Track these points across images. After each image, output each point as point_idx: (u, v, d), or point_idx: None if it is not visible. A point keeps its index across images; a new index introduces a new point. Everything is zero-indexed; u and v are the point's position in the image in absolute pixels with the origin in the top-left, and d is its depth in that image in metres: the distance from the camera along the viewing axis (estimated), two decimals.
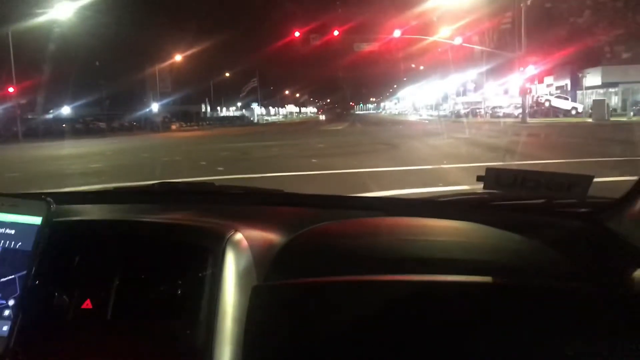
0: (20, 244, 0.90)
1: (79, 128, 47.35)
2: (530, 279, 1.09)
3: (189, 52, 63.61)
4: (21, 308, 0.87)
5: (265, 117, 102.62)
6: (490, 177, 1.28)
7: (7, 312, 0.86)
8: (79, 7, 35.93)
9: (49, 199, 0.93)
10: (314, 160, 13.21)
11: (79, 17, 38.10)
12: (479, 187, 1.35)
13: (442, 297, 1.04)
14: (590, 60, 43.26)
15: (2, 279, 0.87)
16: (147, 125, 55.62)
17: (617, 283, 1.03)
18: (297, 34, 36.19)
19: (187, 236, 1.09)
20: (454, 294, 1.04)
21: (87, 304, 0.97)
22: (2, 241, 0.90)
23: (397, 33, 35.78)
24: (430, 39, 39.42)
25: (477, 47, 45.66)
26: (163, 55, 62.33)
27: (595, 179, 1.21)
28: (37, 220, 0.91)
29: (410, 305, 1.02)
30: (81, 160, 16.01)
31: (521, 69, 34.37)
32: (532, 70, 36.09)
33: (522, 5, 33.02)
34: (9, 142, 32.91)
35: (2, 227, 0.90)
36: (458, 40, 38.80)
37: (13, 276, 0.88)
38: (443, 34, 41.33)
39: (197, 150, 20.08)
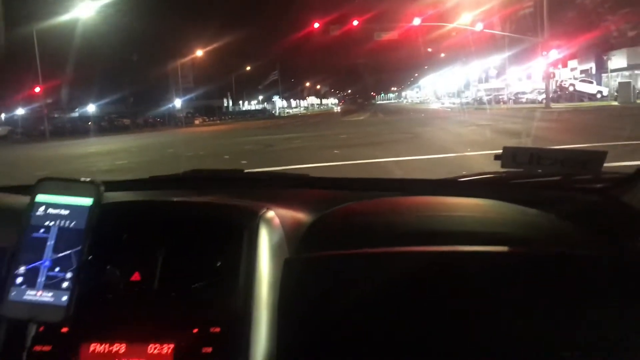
0: (74, 223, 0.97)
1: (104, 125, 47.91)
2: (547, 247, 1.13)
3: (210, 47, 64.08)
4: (77, 280, 0.94)
5: (287, 110, 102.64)
6: (508, 155, 1.32)
7: (65, 284, 0.93)
8: (102, 5, 36.29)
9: (98, 181, 1.00)
10: (336, 151, 13.25)
11: (102, 15, 38.53)
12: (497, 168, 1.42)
13: (464, 267, 1.08)
14: (615, 42, 42.37)
15: (60, 254, 0.95)
16: (171, 120, 56.05)
17: (631, 250, 1.07)
18: (316, 25, 36.21)
19: (224, 214, 1.18)
20: (475, 264, 1.08)
21: (136, 276, 1.07)
22: (58, 220, 0.97)
23: (417, 21, 35.53)
24: (451, 25, 39.06)
25: (499, 33, 45.04)
26: (185, 51, 62.86)
27: (622, 163, 1.24)
28: (88, 201, 0.98)
29: (433, 275, 1.07)
30: (107, 158, 16.28)
31: (544, 53, 33.87)
32: (555, 54, 35.56)
33: None
34: (37, 140, 33.53)
35: (57, 208, 0.98)
36: (479, 27, 38.33)
37: (69, 252, 0.95)
38: (464, 20, 40.90)
39: (220, 145, 20.27)
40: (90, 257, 0.97)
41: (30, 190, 1.00)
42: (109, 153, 18.40)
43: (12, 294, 0.93)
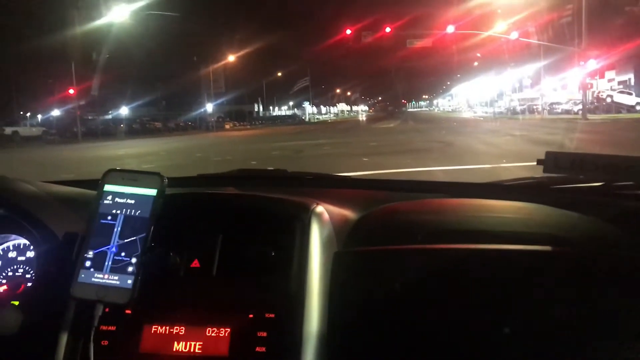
0: (139, 211, 1.05)
1: (136, 128, 48.45)
2: (589, 248, 1.17)
3: (242, 53, 64.41)
4: (141, 265, 1.01)
5: (317, 116, 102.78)
6: (550, 160, 1.32)
7: (130, 268, 1.01)
8: (136, 9, 36.63)
9: (162, 174, 1.08)
10: (365, 159, 12.96)
11: (136, 19, 38.93)
12: (538, 173, 1.42)
13: (509, 265, 1.09)
14: None
15: (126, 240, 1.03)
16: (202, 124, 56.47)
17: None
18: (348, 31, 35.94)
19: (278, 207, 1.25)
20: (520, 262, 1.10)
21: (195, 263, 1.13)
22: (125, 209, 1.05)
23: (450, 28, 35.00)
24: (485, 34, 38.38)
25: (534, 41, 44.19)
26: (217, 56, 63.30)
27: None
28: (152, 192, 1.06)
29: (477, 272, 1.10)
30: (135, 161, 16.24)
31: (582, 63, 33.04)
32: (593, 64, 34.66)
33: None
34: (69, 142, 33.95)
35: (124, 198, 1.06)
36: (514, 35, 37.62)
37: (135, 238, 1.03)
38: (498, 28, 40.14)
39: (248, 150, 20.16)
40: (153, 244, 1.04)
41: (99, 181, 1.07)
42: (138, 156, 18.48)
43: (81, 276, 1.01)
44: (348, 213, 1.40)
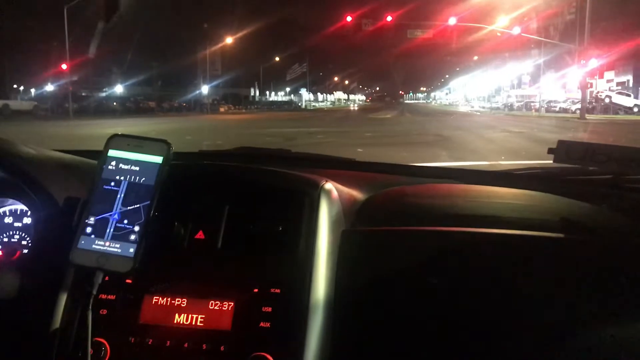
0: (144, 179, 1.01)
1: (130, 107, 47.82)
2: (598, 235, 1.16)
3: (239, 35, 63.72)
4: (144, 234, 0.98)
5: (313, 103, 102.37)
6: (561, 149, 1.32)
7: (133, 237, 0.97)
8: None
9: (168, 141, 1.03)
10: (360, 150, 12.62)
11: None
12: (549, 162, 1.41)
13: (518, 250, 1.10)
14: None
15: (129, 207, 0.99)
16: (196, 106, 55.91)
17: None
18: (349, 18, 35.37)
19: (287, 182, 1.22)
20: (530, 248, 1.10)
21: (200, 235, 1.10)
22: (129, 176, 1.01)
23: (452, 20, 34.55)
24: (488, 28, 37.96)
25: (536, 38, 43.78)
26: (214, 38, 62.58)
27: None
28: (158, 159, 1.02)
29: (486, 256, 1.10)
30: None
31: (582, 62, 32.73)
32: (594, 63, 34.38)
33: None
34: (60, 118, 33.40)
35: (128, 164, 1.02)
36: (516, 30, 37.23)
37: (138, 205, 0.99)
38: (500, 23, 39.74)
39: (241, 134, 19.83)
40: (157, 213, 1.00)
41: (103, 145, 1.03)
42: None
43: (82, 242, 0.97)
44: (356, 193, 1.39)
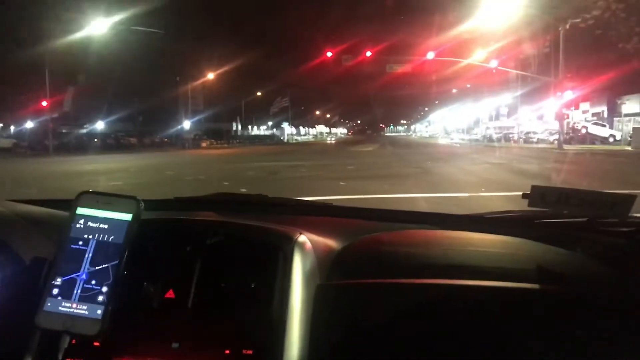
0: (112, 237, 0.98)
1: (110, 143, 47.66)
2: (576, 286, 1.15)
3: (221, 71, 64.04)
4: (113, 294, 0.95)
5: (295, 137, 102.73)
6: (536, 194, 1.34)
7: (101, 298, 0.94)
8: (115, 22, 35.97)
9: (138, 198, 1.02)
10: (342, 183, 12.63)
11: (115, 33, 38.26)
12: (522, 206, 1.41)
13: (495, 302, 1.09)
14: (628, 86, 41.89)
15: (97, 267, 0.96)
16: (178, 142, 55.85)
17: None
18: (329, 54, 35.92)
19: (260, 236, 1.20)
20: (506, 299, 1.09)
21: (170, 294, 1.08)
22: (97, 234, 0.98)
23: (430, 55, 35.24)
24: (465, 61, 38.70)
25: (513, 71, 44.67)
26: (195, 74, 62.82)
27: None
28: (127, 217, 1.00)
29: (463, 308, 1.08)
30: (102, 177, 15.62)
31: (558, 94, 33.40)
32: (569, 95, 35.07)
33: (560, 29, 32.13)
34: (39, 155, 33.16)
35: (97, 222, 0.99)
36: (493, 64, 38.01)
37: (106, 265, 0.96)
38: (478, 56, 40.52)
39: (223, 169, 19.74)
40: (126, 272, 0.98)
41: (71, 203, 1.01)
42: (106, 172, 17.87)
43: (48, 304, 0.94)
44: (331, 242, 1.37)
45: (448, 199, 9.66)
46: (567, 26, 31.89)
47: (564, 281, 1.17)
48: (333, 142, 77.53)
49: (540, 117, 52.41)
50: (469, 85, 69.45)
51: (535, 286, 1.12)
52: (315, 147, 48.08)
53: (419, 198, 9.72)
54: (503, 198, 9.26)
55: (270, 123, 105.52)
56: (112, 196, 1.02)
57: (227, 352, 1.00)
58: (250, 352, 1.00)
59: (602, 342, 1.00)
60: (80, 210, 1.01)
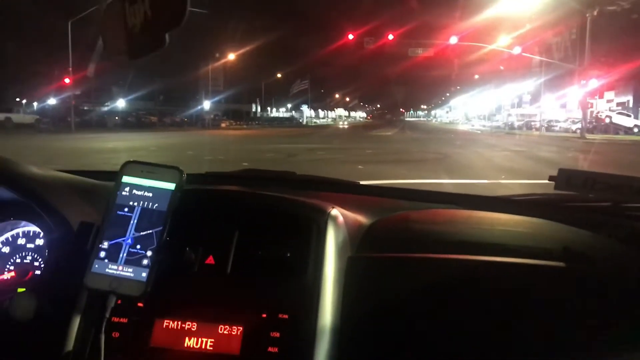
0: (157, 205, 1.04)
1: (131, 121, 48.06)
2: (598, 264, 1.16)
3: (241, 52, 63.99)
4: (156, 258, 1.00)
5: (314, 120, 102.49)
6: (562, 177, 1.35)
7: (145, 262, 1.00)
8: None
9: (181, 168, 1.07)
10: (360, 167, 12.63)
11: None
12: (549, 189, 1.46)
13: (520, 278, 1.11)
14: None
15: (142, 233, 1.02)
16: (198, 122, 56.09)
17: None
18: (351, 36, 35.66)
19: (295, 208, 1.25)
20: (531, 276, 1.11)
21: (210, 260, 1.13)
22: (142, 202, 1.04)
23: (454, 39, 34.83)
24: (488, 47, 38.18)
25: (537, 57, 44.03)
26: (217, 54, 62.85)
27: None
28: (171, 186, 1.05)
29: (488, 284, 1.11)
30: (124, 155, 15.47)
31: (582, 82, 32.86)
32: (594, 83, 34.49)
33: (587, 15, 31.51)
34: (62, 131, 33.47)
35: (142, 190, 1.05)
36: (517, 50, 37.43)
37: (150, 231, 1.02)
38: (502, 42, 39.97)
39: (242, 150, 19.81)
40: (169, 238, 1.03)
41: (117, 172, 1.06)
42: (128, 150, 17.91)
43: (95, 266, 1.00)
44: (360, 218, 1.40)
45: (467, 186, 9.59)
46: (595, 12, 31.30)
47: (589, 261, 1.18)
48: (346, 126, 74.91)
49: (564, 106, 51.64)
50: (491, 72, 68.59)
51: (561, 264, 1.13)
52: (335, 131, 47.92)
53: (438, 184, 9.67)
54: (523, 186, 9.16)
55: (289, 105, 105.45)
56: (155, 166, 1.07)
57: (264, 315, 1.04)
58: (285, 316, 1.04)
59: (626, 321, 1.02)
60: (125, 179, 1.06)
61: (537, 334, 1.03)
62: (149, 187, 1.05)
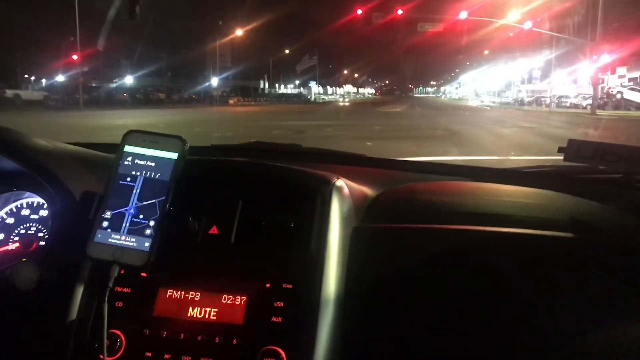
0: (159, 174, 1.04)
1: (139, 98, 47.93)
2: (607, 235, 1.16)
3: (249, 28, 63.56)
4: (159, 228, 1.01)
5: (322, 96, 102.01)
6: (572, 148, 1.33)
7: (148, 231, 1.01)
8: None
9: (183, 137, 1.06)
10: (368, 143, 12.59)
11: None
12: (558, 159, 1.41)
13: (528, 249, 1.10)
14: None
15: (145, 202, 1.02)
16: (206, 98, 55.95)
17: None
18: (359, 11, 35.18)
19: (300, 178, 1.24)
20: (539, 247, 1.11)
21: (214, 230, 1.12)
22: (145, 171, 1.04)
23: (463, 14, 34.27)
24: (498, 22, 37.68)
25: (547, 33, 43.43)
26: (224, 30, 62.48)
27: None
28: (173, 155, 1.05)
29: (495, 254, 1.11)
30: None
31: (594, 57, 32.44)
32: (606, 59, 34.06)
33: None
34: (70, 108, 33.50)
35: (144, 160, 1.05)
36: (528, 25, 36.86)
37: (154, 200, 1.02)
38: (512, 17, 39.42)
39: (250, 127, 19.78)
40: (172, 208, 1.03)
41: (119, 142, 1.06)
42: (135, 127, 17.71)
43: (98, 236, 1.00)
44: (366, 190, 1.40)
45: (476, 162, 9.55)
46: None
47: (598, 232, 1.17)
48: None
49: (574, 81, 51.08)
50: (501, 48, 67.84)
51: (569, 235, 1.13)
52: (343, 107, 47.71)
53: (447, 161, 9.64)
54: (532, 162, 9.02)
55: (297, 82, 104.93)
56: (158, 135, 1.07)
57: (268, 285, 1.04)
58: (289, 286, 1.04)
59: (636, 292, 1.02)
60: (128, 148, 1.05)
61: (544, 305, 1.02)
62: (152, 156, 1.05)
